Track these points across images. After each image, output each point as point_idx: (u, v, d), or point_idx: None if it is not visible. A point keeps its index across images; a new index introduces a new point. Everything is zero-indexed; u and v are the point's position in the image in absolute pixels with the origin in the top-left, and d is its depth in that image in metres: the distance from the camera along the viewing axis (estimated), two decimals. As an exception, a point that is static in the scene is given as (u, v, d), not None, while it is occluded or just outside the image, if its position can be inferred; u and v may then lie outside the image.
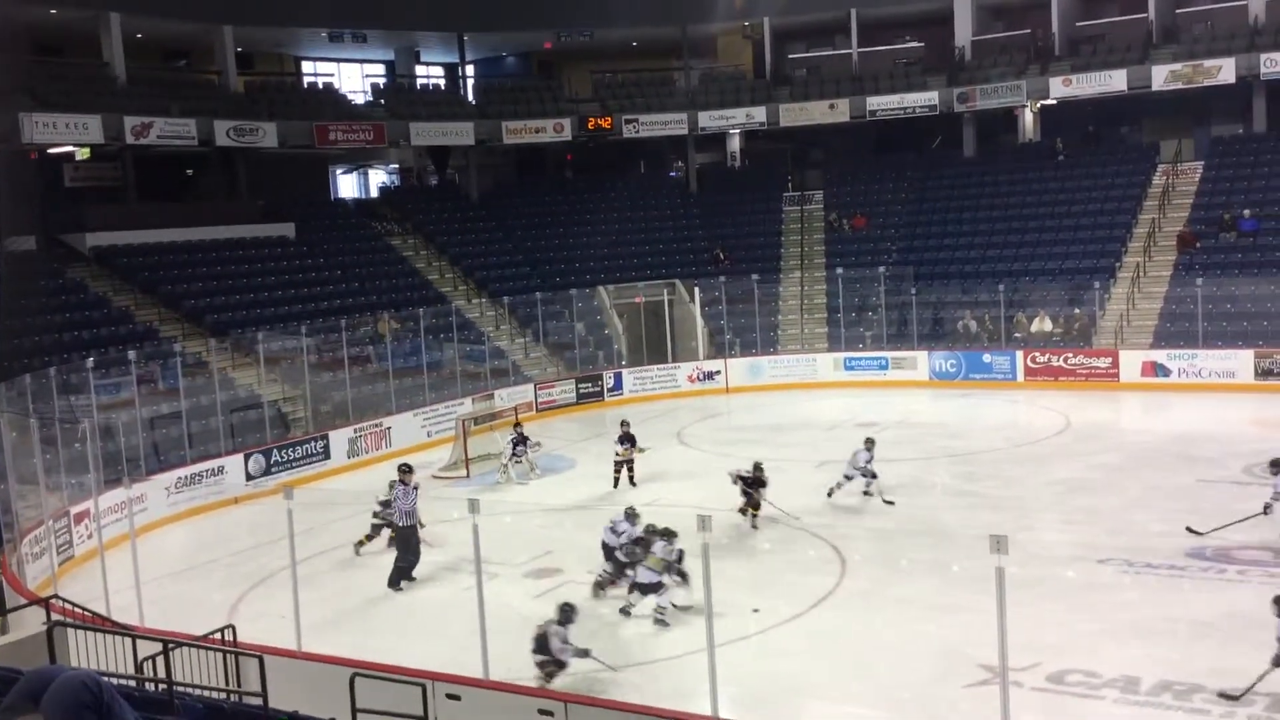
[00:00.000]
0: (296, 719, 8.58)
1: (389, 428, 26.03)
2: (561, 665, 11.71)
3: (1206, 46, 34.07)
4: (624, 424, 21.38)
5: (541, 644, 11.73)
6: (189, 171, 35.62)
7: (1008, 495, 19.01)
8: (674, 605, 13.77)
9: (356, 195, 42.05)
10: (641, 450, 21.33)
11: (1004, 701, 8.53)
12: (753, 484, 17.67)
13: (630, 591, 14.08)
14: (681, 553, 13.79)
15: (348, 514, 20.22)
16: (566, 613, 11.91)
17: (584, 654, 11.80)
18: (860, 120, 37.91)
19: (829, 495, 18.72)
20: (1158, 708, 10.90)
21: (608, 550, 14.98)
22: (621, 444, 21.03)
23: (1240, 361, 27.41)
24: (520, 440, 22.54)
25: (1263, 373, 27.06)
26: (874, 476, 18.51)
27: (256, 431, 24.30)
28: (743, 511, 17.64)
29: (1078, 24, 38.06)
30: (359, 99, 38.59)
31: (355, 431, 25.32)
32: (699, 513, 9.72)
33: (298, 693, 9.88)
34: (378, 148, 37.28)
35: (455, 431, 24.37)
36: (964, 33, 38.71)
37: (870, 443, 18.77)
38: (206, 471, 22.13)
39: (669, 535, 13.96)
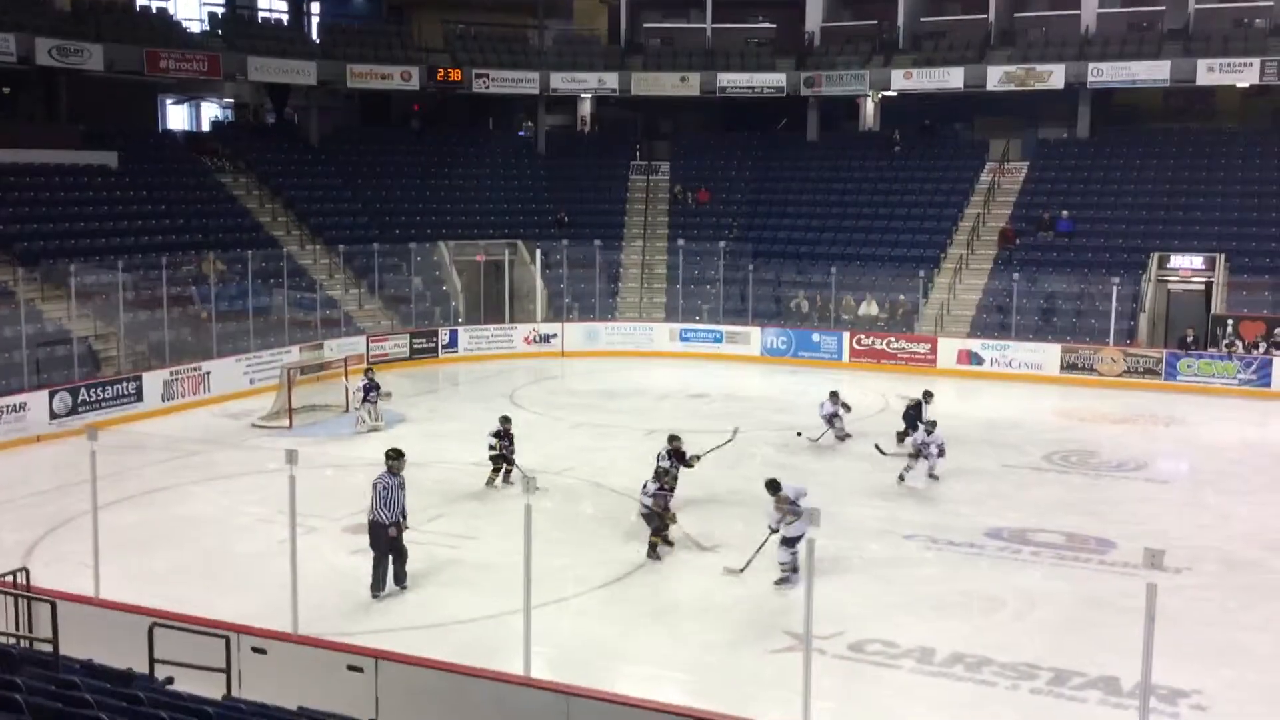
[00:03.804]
0: (90, 667, 8.26)
1: (208, 372, 25.11)
2: None
3: (1040, 52, 35.64)
4: (673, 439, 16.63)
5: None
6: (5, 90, 33.37)
7: (824, 469, 19.63)
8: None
9: (186, 128, 40.18)
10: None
11: (806, 668, 8.83)
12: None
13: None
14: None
15: (158, 459, 19.54)
16: None
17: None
18: (710, 96, 38.33)
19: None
20: (949, 678, 11.47)
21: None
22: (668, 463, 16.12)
23: (1048, 355, 28.97)
24: (372, 387, 22.31)
25: (1068, 366, 28.68)
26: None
27: (64, 368, 23.12)
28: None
29: (922, 19, 39.29)
30: (194, 27, 36.79)
31: (171, 374, 24.35)
32: (525, 473, 9.73)
33: (93, 641, 9.50)
34: (212, 80, 35.62)
35: (279, 380, 23.71)
36: (814, 18, 39.53)
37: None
38: (7, 407, 20.97)
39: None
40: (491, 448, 18.03)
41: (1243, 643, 12.51)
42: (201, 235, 30.28)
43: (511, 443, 18.08)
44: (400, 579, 13.58)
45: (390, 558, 13.46)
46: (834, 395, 21.73)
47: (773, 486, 14.07)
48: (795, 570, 13.68)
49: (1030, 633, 12.70)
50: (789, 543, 13.79)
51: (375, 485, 13.41)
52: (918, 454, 18.43)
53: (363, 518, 14.26)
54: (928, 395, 20.98)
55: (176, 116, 40.63)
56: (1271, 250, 30.48)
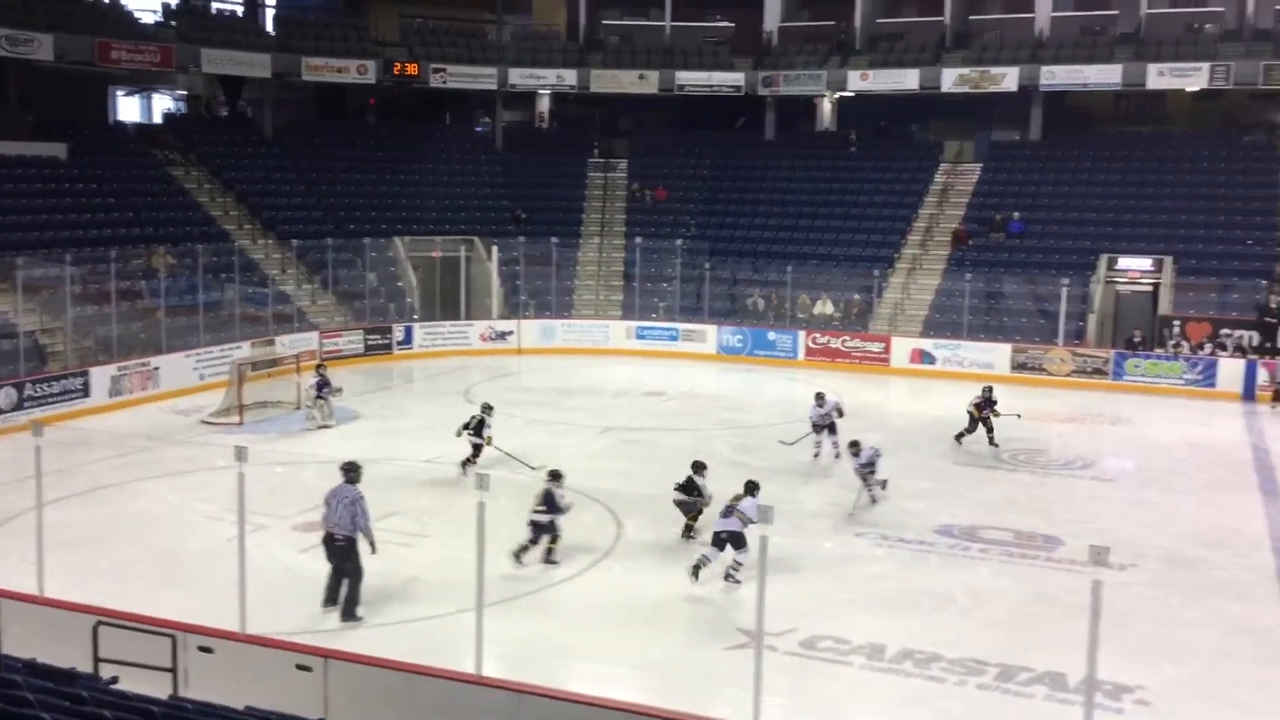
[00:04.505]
0: (33, 666, 8.13)
1: (157, 368, 24.79)
2: None
3: (994, 55, 36.02)
4: (698, 466, 15.95)
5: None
6: (-49, 78, 32.73)
7: (779, 468, 19.72)
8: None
9: (138, 120, 39.62)
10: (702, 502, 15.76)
11: (757, 665, 8.88)
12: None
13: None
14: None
15: (105, 455, 19.27)
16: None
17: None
18: (669, 93, 38.39)
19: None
20: (899, 674, 11.59)
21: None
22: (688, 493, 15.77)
23: (999, 354, 29.30)
24: (324, 383, 22.20)
25: (1018, 366, 29.02)
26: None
27: (9, 363, 22.75)
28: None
29: (878, 20, 39.57)
30: (148, 18, 36.27)
31: (119, 370, 24.01)
32: (478, 471, 9.69)
33: (36, 640, 9.37)
34: (165, 71, 35.15)
35: (230, 376, 23.46)
36: (773, 18, 39.70)
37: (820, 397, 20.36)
38: (-51, 402, 20.59)
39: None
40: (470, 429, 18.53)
41: (1186, 639, 12.74)
42: (152, 229, 29.86)
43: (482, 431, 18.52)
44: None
45: (351, 575, 12.67)
46: (820, 397, 20.20)
47: (748, 487, 14.09)
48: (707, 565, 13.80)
49: (978, 629, 12.86)
50: (717, 540, 13.86)
51: (343, 498, 12.52)
52: (863, 478, 17.38)
53: (311, 516, 14.15)
54: (988, 389, 21.84)
55: (128, 108, 40.07)
56: (1218, 253, 31.01)
